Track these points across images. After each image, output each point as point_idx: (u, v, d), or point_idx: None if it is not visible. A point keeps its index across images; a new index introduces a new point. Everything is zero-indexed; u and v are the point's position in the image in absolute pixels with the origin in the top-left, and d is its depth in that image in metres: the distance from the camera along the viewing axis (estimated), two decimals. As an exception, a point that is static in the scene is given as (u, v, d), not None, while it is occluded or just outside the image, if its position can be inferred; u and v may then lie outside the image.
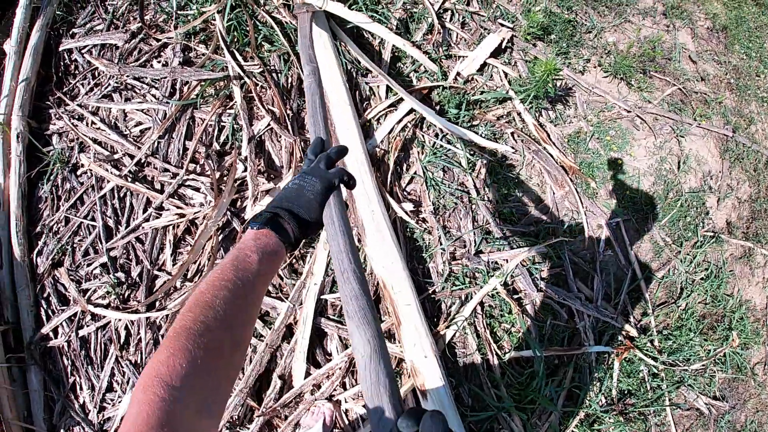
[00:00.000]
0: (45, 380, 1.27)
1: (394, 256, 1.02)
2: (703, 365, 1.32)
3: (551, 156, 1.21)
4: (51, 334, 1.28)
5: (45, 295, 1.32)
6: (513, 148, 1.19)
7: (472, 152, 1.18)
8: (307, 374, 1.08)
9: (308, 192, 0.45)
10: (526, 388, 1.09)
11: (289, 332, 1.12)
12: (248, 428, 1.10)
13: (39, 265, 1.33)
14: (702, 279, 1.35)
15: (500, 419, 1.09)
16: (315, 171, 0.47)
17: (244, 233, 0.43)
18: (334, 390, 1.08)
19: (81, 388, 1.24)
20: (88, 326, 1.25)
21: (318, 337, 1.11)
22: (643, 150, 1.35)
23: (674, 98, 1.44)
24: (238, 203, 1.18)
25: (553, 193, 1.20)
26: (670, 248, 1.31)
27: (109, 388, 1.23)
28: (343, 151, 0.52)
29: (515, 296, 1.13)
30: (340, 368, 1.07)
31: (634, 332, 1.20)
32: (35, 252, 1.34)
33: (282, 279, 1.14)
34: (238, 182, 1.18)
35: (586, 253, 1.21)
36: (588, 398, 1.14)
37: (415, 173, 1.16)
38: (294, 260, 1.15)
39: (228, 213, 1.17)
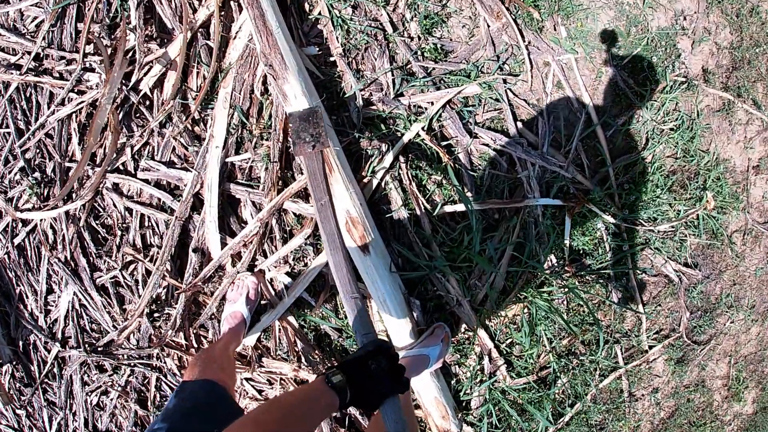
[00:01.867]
0: None
1: (312, 96, 0.80)
2: (672, 227, 1.08)
3: (483, -19, 0.92)
4: None
5: (-18, 212, 1.19)
6: (436, -25, 0.91)
7: (385, -18, 0.91)
8: (224, 245, 0.91)
9: (381, 388, 0.48)
10: (459, 246, 0.89)
11: (199, 203, 0.94)
12: (174, 308, 0.96)
13: (-31, 183, 1.20)
14: (672, 129, 1.07)
15: (434, 280, 0.90)
16: (397, 373, 0.50)
17: (319, 378, 0.47)
18: (255, 259, 0.92)
19: (27, 296, 1.13)
20: (20, 234, 1.12)
21: (230, 204, 0.93)
22: (599, -22, 1.04)
23: None
24: (134, 75, 0.97)
25: (488, 26, 0.92)
26: (633, 92, 1.03)
27: (50, 291, 1.11)
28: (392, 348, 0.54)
29: (444, 143, 0.90)
30: (256, 234, 0.89)
31: (588, 184, 0.96)
32: (-36, 172, 1.20)
33: (186, 148, 0.95)
34: (130, 53, 0.96)
35: (531, 95, 0.94)
36: (535, 258, 0.93)
37: (319, 13, 0.91)
38: (194, 124, 0.95)
39: (125, 88, 0.97)
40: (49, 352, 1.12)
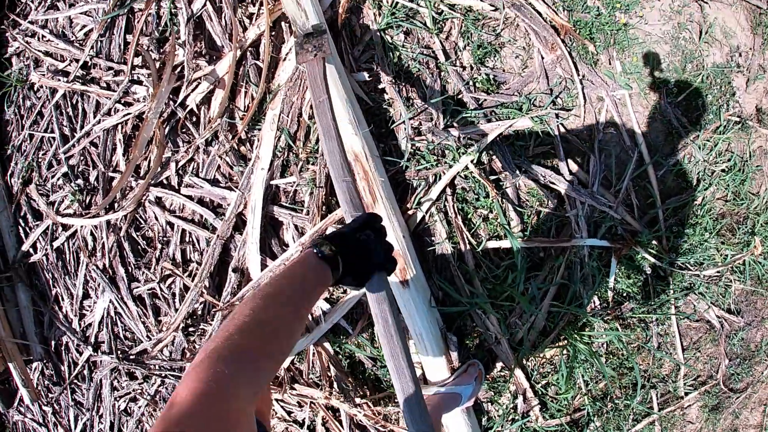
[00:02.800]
0: (32, 296, 1.19)
1: (360, 125, 0.79)
2: (718, 272, 1.02)
3: (538, 13, 0.89)
4: (31, 251, 1.18)
5: (21, 213, 1.21)
6: (492, 5, 0.88)
7: (439, 11, 0.89)
8: (264, 266, 0.89)
9: (374, 257, 0.47)
10: (502, 283, 0.85)
11: (241, 223, 0.93)
12: (210, 324, 0.95)
13: (13, 186, 1.22)
14: (723, 171, 1.02)
15: (474, 316, 0.87)
16: (385, 244, 0.49)
17: (307, 251, 0.43)
18: (291, 284, 0.90)
19: (62, 299, 1.15)
20: (60, 237, 1.13)
21: (272, 227, 0.92)
22: (656, 13, 0.99)
23: (701, -48, 1.05)
24: (181, 91, 0.97)
25: (542, 58, 0.89)
26: (687, 131, 0.98)
27: (86, 296, 1.12)
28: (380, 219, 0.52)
29: (492, 177, 0.86)
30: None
31: (637, 226, 0.92)
32: (8, 174, 1.22)
33: (231, 167, 0.93)
34: (179, 68, 0.96)
35: (582, 131, 0.91)
36: (578, 299, 0.89)
37: (371, 39, 0.89)
38: (240, 143, 0.93)
39: (172, 103, 0.96)
40: (80, 354, 1.13)
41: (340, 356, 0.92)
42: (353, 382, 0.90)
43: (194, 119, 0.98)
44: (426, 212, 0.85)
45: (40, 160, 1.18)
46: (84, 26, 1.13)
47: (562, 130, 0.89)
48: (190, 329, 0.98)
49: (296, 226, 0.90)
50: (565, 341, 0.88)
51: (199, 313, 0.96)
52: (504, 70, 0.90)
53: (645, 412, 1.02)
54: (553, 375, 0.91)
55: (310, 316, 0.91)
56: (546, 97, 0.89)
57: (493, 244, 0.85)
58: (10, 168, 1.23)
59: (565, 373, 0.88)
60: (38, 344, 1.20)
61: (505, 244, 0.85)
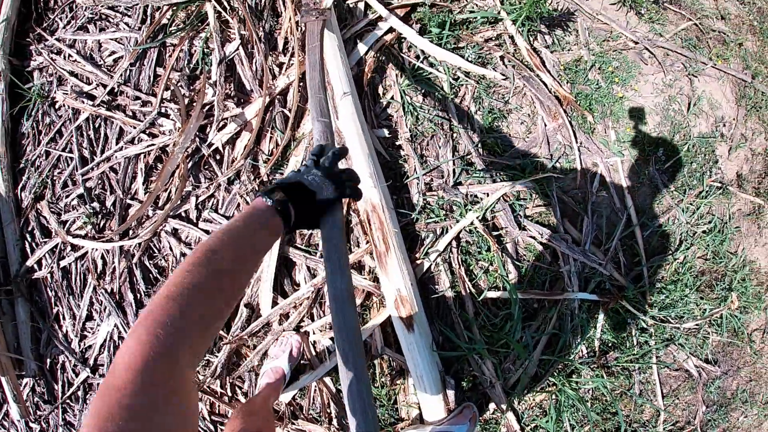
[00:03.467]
0: (32, 312, 1.22)
1: (379, 179, 0.89)
2: (696, 325, 1.15)
3: (544, 84, 1.02)
4: (35, 267, 1.22)
5: (29, 228, 1.25)
6: (504, 75, 1.00)
7: (456, 77, 1.00)
8: (275, 303, 0.97)
9: (323, 196, 0.46)
10: (499, 331, 0.95)
11: (255, 261, 1.01)
12: (216, 356, 1.02)
13: (23, 200, 1.26)
14: (704, 232, 1.15)
15: (471, 361, 0.96)
16: (333, 178, 0.48)
17: (256, 199, 0.43)
18: (302, 321, 0.98)
19: (64, 318, 1.19)
20: (68, 257, 1.18)
21: (286, 267, 1.00)
22: (650, 86, 1.14)
23: (689, 34, 1.20)
24: (207, 129, 1.06)
25: (545, 125, 1.02)
26: (672, 195, 1.11)
27: (89, 317, 1.17)
28: (344, 152, 0.53)
29: (495, 233, 0.97)
30: (307, 298, 0.96)
31: (623, 282, 1.04)
32: (19, 187, 1.27)
33: None
34: (207, 107, 1.05)
35: (577, 193, 1.03)
36: (568, 348, 0.99)
37: (392, 98, 1.00)
38: (261, 185, 1.02)
39: (197, 139, 1.05)
40: (77, 375, 1.17)
41: (341, 394, 1.00)
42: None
43: (218, 157, 1.06)
44: (432, 262, 0.94)
45: (54, 178, 1.23)
46: (114, 52, 1.21)
47: (559, 192, 1.01)
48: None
49: (309, 268, 0.98)
50: (554, 387, 0.98)
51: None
52: (510, 135, 1.02)
53: (627, 456, 1.12)
54: (542, 418, 1.00)
55: (314, 353, 0.98)
56: (547, 161, 1.01)
57: (492, 294, 0.95)
58: (22, 181, 1.28)
59: (554, 417, 0.97)
60: (33, 361, 1.23)
61: (503, 295, 0.95)
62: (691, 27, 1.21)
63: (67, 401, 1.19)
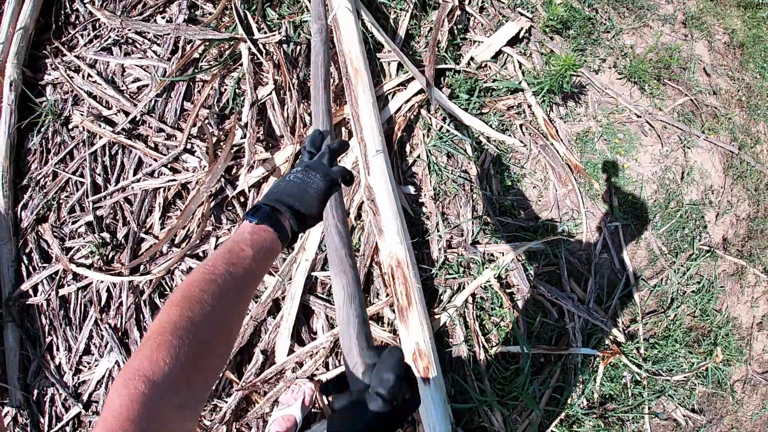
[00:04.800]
0: (21, 338, 1.22)
1: (405, 236, 0.99)
2: (685, 377, 1.32)
3: (558, 152, 1.18)
4: (30, 292, 1.23)
5: (27, 250, 1.26)
6: (522, 141, 1.16)
7: (478, 141, 1.15)
8: (291, 351, 1.04)
9: (311, 189, 0.44)
10: (510, 384, 1.07)
11: (275, 307, 1.08)
12: (226, 401, 1.07)
13: (23, 219, 1.28)
14: (693, 292, 1.34)
15: (481, 412, 1.07)
16: (318, 166, 0.46)
17: (240, 225, 0.41)
18: (317, 369, 1.05)
19: (58, 349, 1.20)
20: (69, 286, 1.20)
21: (305, 314, 1.08)
22: (648, 156, 1.33)
23: (685, 108, 1.42)
24: (233, 170, 1.14)
25: (556, 191, 1.17)
26: (666, 258, 1.29)
27: (86, 351, 1.19)
28: (344, 145, 0.50)
29: (508, 290, 1.10)
30: (324, 347, 1.04)
31: (621, 338, 1.19)
32: (20, 205, 1.29)
33: None
34: (235, 149, 1.13)
35: (582, 254, 1.18)
36: (570, 399, 1.12)
37: (418, 156, 1.12)
38: None
39: (222, 179, 1.12)
40: (67, 410, 1.17)
41: None
42: None
43: (242, 200, 1.14)
44: (449, 317, 1.06)
45: (61, 201, 1.26)
46: (138, 79, 1.27)
47: (566, 253, 1.16)
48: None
49: (327, 317, 1.06)
50: (557, 438, 1.10)
51: (213, 389, 1.07)
52: (524, 198, 1.16)
53: (621, 504, 1.25)
54: (545, 469, 1.12)
55: (327, 402, 1.06)
56: (556, 224, 1.16)
57: (503, 348, 1.07)
58: (23, 200, 1.29)
59: None
60: (18, 390, 1.22)
61: (514, 348, 1.07)
62: (687, 102, 1.43)
63: None
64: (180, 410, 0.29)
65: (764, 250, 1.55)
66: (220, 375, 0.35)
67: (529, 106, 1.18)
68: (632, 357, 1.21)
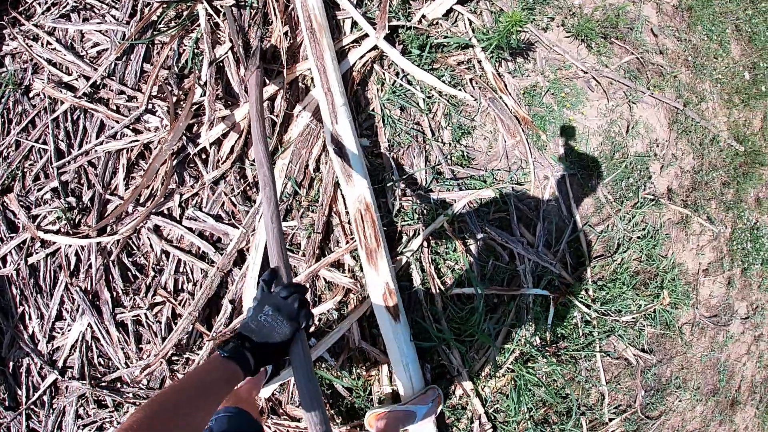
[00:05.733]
0: None
1: (369, 182, 1.04)
2: (633, 318, 1.41)
3: (506, 105, 1.23)
4: (0, 264, 1.24)
5: (-7, 221, 1.26)
6: (472, 95, 1.21)
7: (430, 95, 1.19)
8: (255, 299, 1.08)
9: (277, 335, 0.52)
10: (465, 323, 1.14)
11: (240, 258, 1.12)
12: (197, 354, 1.11)
13: (-13, 191, 1.27)
14: (639, 238, 1.42)
15: (440, 351, 1.14)
16: (287, 312, 0.54)
17: (212, 355, 0.50)
18: (282, 315, 1.09)
19: (30, 318, 1.21)
20: (37, 253, 1.21)
21: (269, 264, 1.12)
22: (594, 111, 1.40)
23: (631, 66, 1.49)
24: (194, 128, 1.16)
25: (505, 142, 1.23)
26: (611, 205, 1.37)
27: (59, 317, 1.20)
28: (305, 289, 0.59)
29: (460, 235, 1.16)
30: (287, 294, 1.08)
31: (570, 279, 1.27)
32: (-17, 177, 1.28)
33: (235, 206, 1.13)
34: (195, 107, 1.15)
35: (531, 201, 1.25)
36: (524, 337, 1.20)
37: (373, 110, 1.16)
38: (248, 187, 1.14)
39: (184, 138, 1.14)
40: (43, 378, 1.19)
41: (321, 387, 1.13)
42: (332, 411, 1.10)
43: (203, 156, 1.16)
44: (407, 261, 1.11)
45: (25, 170, 1.26)
46: (97, 44, 1.26)
47: (516, 200, 1.22)
48: (173, 358, 1.11)
49: (291, 266, 1.10)
50: (514, 373, 1.17)
51: (184, 342, 1.10)
52: (474, 149, 1.22)
53: (577, 436, 1.35)
54: (503, 402, 1.19)
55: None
56: (505, 173, 1.22)
57: (458, 290, 1.13)
58: None
59: (515, 399, 1.17)
60: None
61: (468, 290, 1.14)
62: (633, 60, 1.50)
63: (32, 407, 1.21)
64: None
65: (709, 201, 1.65)
66: None
67: (479, 62, 1.23)
68: (581, 298, 1.29)
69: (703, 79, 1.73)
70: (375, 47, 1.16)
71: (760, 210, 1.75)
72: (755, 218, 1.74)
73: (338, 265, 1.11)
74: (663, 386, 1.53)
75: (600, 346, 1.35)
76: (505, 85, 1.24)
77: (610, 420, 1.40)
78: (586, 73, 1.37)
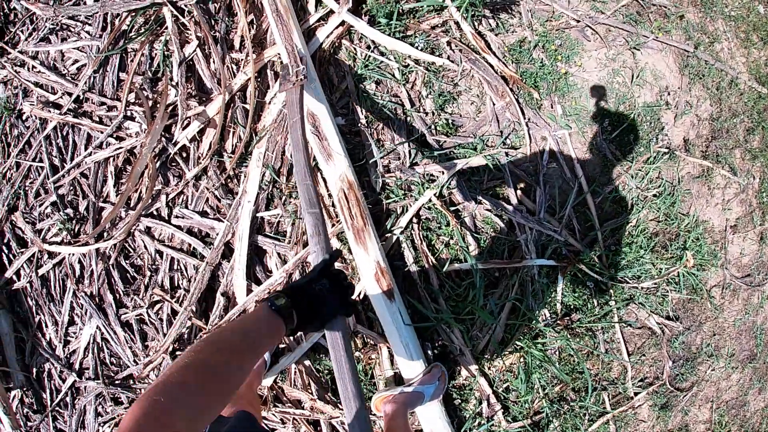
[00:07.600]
0: (14, 323, 1.27)
1: (350, 160, 0.98)
2: (654, 284, 1.26)
3: (491, 66, 1.11)
4: (14, 278, 1.28)
5: (5, 240, 1.31)
6: (451, 59, 1.10)
7: (406, 64, 1.09)
8: (249, 291, 1.05)
9: (326, 310, 0.51)
10: (464, 300, 1.05)
11: (228, 251, 1.08)
12: (196, 347, 1.09)
13: (-3, 212, 1.32)
14: (654, 196, 1.26)
15: (440, 331, 1.05)
16: (340, 293, 0.53)
17: (261, 305, 0.48)
18: (275, 306, 1.05)
19: (46, 326, 1.24)
20: (45, 265, 1.24)
21: (257, 255, 1.08)
22: (593, 62, 1.24)
23: (630, 10, 1.31)
24: (172, 128, 1.13)
25: (493, 104, 1.11)
26: (621, 163, 1.22)
27: (71, 322, 1.23)
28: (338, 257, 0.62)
29: (452, 208, 1.06)
30: (279, 284, 1.04)
31: (579, 246, 1.14)
32: (-7, 200, 1.32)
33: (219, 200, 1.09)
34: (171, 107, 1.12)
35: (529, 166, 1.13)
36: (531, 312, 1.09)
37: (346, 87, 1.08)
38: (228, 179, 1.10)
39: (163, 139, 1.12)
40: (63, 381, 1.23)
41: (320, 374, 1.08)
42: (333, 397, 1.05)
43: (184, 155, 1.14)
44: (397, 238, 1.03)
45: (27, 188, 1.29)
46: (76, 61, 1.27)
47: (511, 166, 1.11)
48: (177, 352, 1.11)
49: (279, 254, 1.06)
50: (522, 350, 1.07)
51: (186, 336, 1.09)
52: (461, 115, 1.11)
53: (599, 413, 1.23)
54: (513, 381, 1.10)
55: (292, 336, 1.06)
56: (497, 138, 1.10)
57: (454, 266, 1.04)
58: None
59: (523, 377, 1.07)
60: (19, 372, 1.28)
61: (464, 266, 1.04)
62: (632, 3, 1.32)
63: (57, 408, 1.25)
64: (185, 421, 0.34)
65: (732, 150, 1.44)
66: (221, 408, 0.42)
67: (456, 23, 1.11)
68: (594, 266, 1.16)
69: (715, 18, 1.50)
70: (343, 23, 1.07)
71: (793, 154, 1.52)
72: (789, 164, 1.51)
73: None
74: (693, 355, 1.37)
75: (619, 316, 1.21)
76: (488, 45, 1.12)
77: (636, 394, 1.26)
78: (579, 21, 1.22)
